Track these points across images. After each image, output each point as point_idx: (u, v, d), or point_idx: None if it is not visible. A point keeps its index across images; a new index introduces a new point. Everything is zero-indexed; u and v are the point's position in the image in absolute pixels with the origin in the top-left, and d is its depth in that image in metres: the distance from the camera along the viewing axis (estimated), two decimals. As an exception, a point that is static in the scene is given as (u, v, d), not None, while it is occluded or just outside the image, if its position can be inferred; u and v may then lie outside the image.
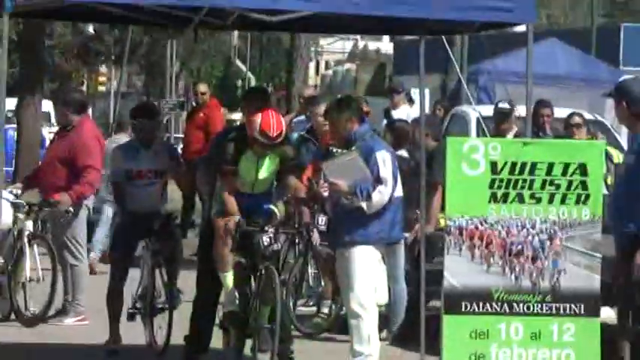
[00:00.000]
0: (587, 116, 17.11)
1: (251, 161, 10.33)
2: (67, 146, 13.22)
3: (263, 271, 10.20)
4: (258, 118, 10.09)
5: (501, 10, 11.63)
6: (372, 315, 9.98)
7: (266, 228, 10.14)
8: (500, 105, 15.31)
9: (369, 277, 9.67)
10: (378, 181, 9.87)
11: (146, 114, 12.67)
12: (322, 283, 12.71)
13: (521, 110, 14.49)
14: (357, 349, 9.81)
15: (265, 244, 10.10)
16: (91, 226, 15.09)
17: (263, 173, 10.41)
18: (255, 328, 10.29)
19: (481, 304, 10.47)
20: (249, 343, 10.41)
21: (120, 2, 10.90)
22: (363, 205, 9.62)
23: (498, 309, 10.47)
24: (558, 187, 10.71)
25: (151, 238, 11.89)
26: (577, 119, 15.61)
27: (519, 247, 10.44)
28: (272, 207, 10.50)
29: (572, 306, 10.49)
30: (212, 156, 10.98)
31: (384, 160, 9.89)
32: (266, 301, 10.20)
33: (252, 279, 10.37)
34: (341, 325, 11.68)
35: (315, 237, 11.76)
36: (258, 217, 10.31)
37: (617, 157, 14.40)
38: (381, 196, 9.74)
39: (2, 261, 13.27)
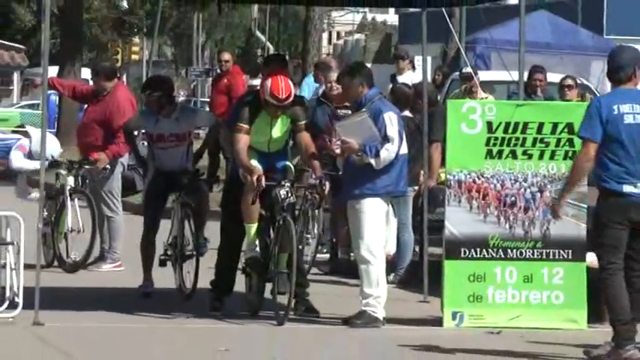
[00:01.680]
0: (578, 80, 17.24)
1: (265, 122, 10.33)
2: (102, 109, 13.30)
3: (281, 222, 10.21)
4: (269, 82, 10.10)
5: None
6: (380, 261, 10.08)
7: (283, 182, 10.16)
8: (464, 70, 15.67)
9: (377, 226, 9.74)
10: (386, 139, 9.92)
11: (152, 87, 12.72)
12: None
13: (514, 75, 14.62)
14: (367, 292, 9.92)
15: (282, 197, 10.10)
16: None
17: (276, 132, 10.41)
18: (274, 273, 10.36)
19: (478, 251, 10.63)
20: (268, 287, 10.48)
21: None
22: (372, 161, 9.68)
23: (494, 255, 10.66)
24: (548, 144, 10.82)
25: (180, 192, 11.95)
26: (569, 81, 16.09)
27: (513, 198, 10.58)
28: (287, 163, 10.57)
29: (561, 251, 10.71)
30: (234, 118, 10.94)
31: (391, 120, 9.91)
32: (284, 248, 10.21)
33: (271, 229, 10.39)
34: (353, 270, 11.54)
35: (327, 189, 11.03)
36: (274, 174, 10.34)
37: None
38: (388, 153, 9.78)
39: (46, 213, 13.26)
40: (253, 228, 10.45)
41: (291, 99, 10.22)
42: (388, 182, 10.11)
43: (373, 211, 9.94)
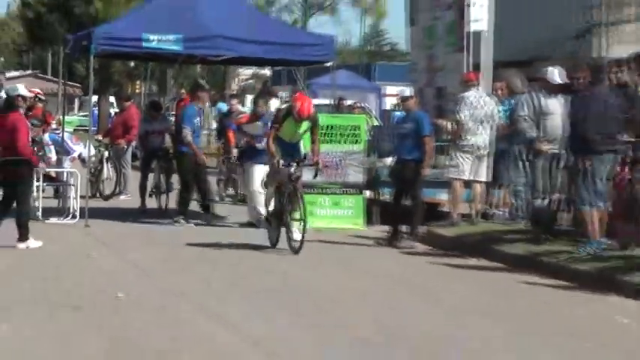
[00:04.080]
0: (361, 104, 22.56)
1: (291, 124, 11.62)
2: (123, 117, 18.54)
3: (291, 188, 11.53)
4: (298, 105, 11.54)
5: (320, 55, 15.56)
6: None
7: (291, 164, 11.47)
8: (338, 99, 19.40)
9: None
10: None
11: (152, 107, 18.19)
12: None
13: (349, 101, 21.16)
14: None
15: (291, 172, 11.47)
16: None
17: (297, 131, 11.75)
18: (287, 222, 11.66)
19: (312, 190, 14.04)
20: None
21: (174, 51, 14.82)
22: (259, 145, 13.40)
23: (320, 191, 14.58)
24: (347, 135, 15.03)
25: (159, 160, 16.15)
26: (357, 104, 21.29)
27: (332, 163, 14.36)
28: (300, 148, 12.03)
29: (351, 190, 14.78)
30: (272, 121, 12.37)
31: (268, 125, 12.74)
32: (294, 206, 11.53)
33: (286, 192, 11.61)
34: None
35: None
36: (291, 155, 11.64)
37: (371, 122, 19.32)
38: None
39: (92, 170, 17.97)
40: (272, 190, 12.06)
41: (311, 116, 11.67)
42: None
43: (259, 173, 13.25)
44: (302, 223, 11.27)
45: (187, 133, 14.04)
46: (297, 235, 11.30)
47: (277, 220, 11.71)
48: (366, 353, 6.92)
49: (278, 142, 11.63)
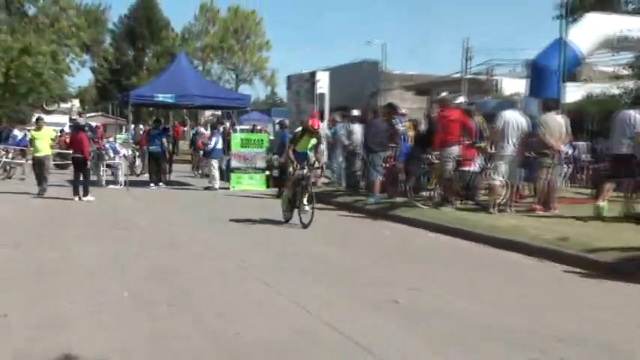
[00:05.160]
0: (264, 129, 26.65)
1: (307, 138, 12.39)
2: (142, 136, 21.68)
3: (303, 183, 12.24)
4: (309, 121, 12.27)
5: (243, 104, 22.68)
6: None
7: (303, 166, 12.15)
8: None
9: None
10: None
11: (156, 122, 22.42)
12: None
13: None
14: None
15: (302, 174, 12.17)
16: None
17: (309, 143, 12.42)
18: (299, 206, 12.38)
19: (241, 170, 19.18)
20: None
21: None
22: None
23: (244, 172, 19.33)
24: (257, 143, 19.86)
25: (157, 159, 20.18)
26: (262, 129, 24.76)
27: (247, 157, 19.45)
28: (309, 155, 12.46)
29: (259, 171, 19.73)
30: (291, 138, 13.09)
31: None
32: (304, 194, 12.19)
33: (299, 186, 12.30)
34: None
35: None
36: (302, 160, 12.24)
37: (269, 137, 21.94)
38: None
39: (130, 161, 21.47)
40: (289, 184, 12.68)
41: (318, 130, 12.49)
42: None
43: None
44: (312, 208, 12.30)
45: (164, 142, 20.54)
46: (305, 217, 12.32)
47: (291, 205, 12.85)
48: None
49: (294, 153, 12.56)
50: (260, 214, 14.02)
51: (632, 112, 12.44)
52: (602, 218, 12.25)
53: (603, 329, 6.23)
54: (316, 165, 12.62)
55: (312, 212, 12.13)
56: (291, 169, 12.18)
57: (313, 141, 12.40)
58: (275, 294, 7.30)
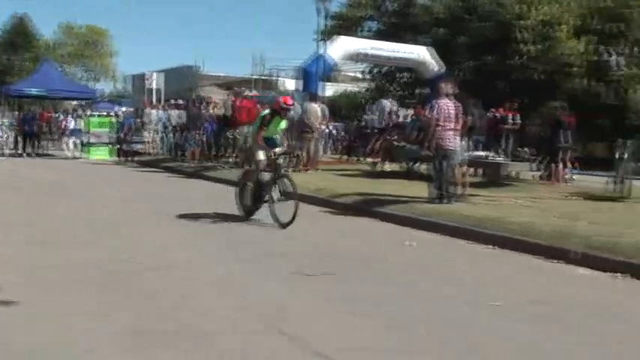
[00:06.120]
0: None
1: (277, 122, 8.49)
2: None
3: (277, 163, 8.16)
4: (281, 98, 8.78)
5: (89, 94, 24.45)
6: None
7: (276, 151, 8.23)
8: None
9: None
10: None
11: (28, 111, 21.10)
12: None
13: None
14: None
15: (275, 155, 8.15)
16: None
17: (277, 129, 8.53)
18: (270, 201, 8.21)
19: (97, 145, 19.17)
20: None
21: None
22: None
23: (99, 146, 19.19)
24: (111, 124, 20.03)
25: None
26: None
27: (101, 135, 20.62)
28: (279, 140, 8.52)
29: (106, 145, 19.32)
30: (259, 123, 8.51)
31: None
32: (279, 174, 8.15)
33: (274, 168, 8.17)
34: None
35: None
36: (273, 144, 8.40)
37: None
38: None
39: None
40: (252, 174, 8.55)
41: (292, 106, 9.06)
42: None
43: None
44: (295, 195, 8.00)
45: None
46: (284, 215, 7.86)
47: (257, 200, 8.57)
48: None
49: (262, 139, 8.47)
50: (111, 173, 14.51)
51: (385, 101, 14.26)
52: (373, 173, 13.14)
53: (352, 247, 6.76)
54: (284, 150, 8.58)
55: (296, 206, 7.82)
56: (261, 156, 8.22)
57: (283, 124, 8.60)
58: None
